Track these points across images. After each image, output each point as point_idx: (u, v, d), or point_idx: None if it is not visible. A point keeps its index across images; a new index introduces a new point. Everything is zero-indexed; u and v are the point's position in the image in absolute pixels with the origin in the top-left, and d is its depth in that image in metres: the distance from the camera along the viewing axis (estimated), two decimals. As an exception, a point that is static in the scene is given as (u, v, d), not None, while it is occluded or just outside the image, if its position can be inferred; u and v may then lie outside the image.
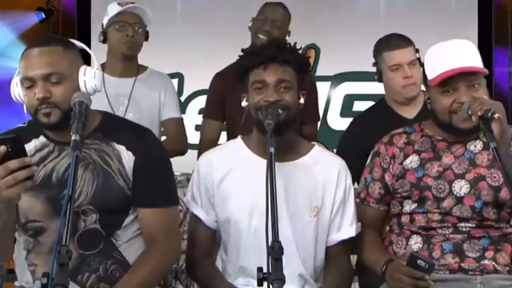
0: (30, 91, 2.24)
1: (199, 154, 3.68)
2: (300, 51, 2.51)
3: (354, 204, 2.54)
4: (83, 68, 2.30)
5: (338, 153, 3.30)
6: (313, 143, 2.65)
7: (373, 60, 3.34)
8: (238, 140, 2.58)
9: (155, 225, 2.33)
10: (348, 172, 2.54)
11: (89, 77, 2.29)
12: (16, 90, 2.30)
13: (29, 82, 2.24)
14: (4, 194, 1.97)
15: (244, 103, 2.49)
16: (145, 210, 2.33)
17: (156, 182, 2.34)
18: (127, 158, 2.32)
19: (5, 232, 2.20)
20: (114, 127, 2.39)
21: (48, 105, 2.22)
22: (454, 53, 2.45)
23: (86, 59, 2.40)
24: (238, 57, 2.53)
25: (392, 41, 3.22)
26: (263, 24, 3.64)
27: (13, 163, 1.94)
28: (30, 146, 2.31)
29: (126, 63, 3.59)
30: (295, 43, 2.53)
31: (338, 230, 2.51)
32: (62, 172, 2.29)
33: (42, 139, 2.34)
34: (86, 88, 2.27)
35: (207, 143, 3.69)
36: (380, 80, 3.29)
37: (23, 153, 1.97)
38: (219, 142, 3.76)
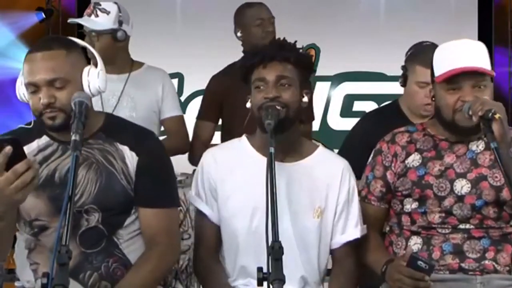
0: (35, 96, 2.26)
1: (191, 154, 3.74)
2: (300, 49, 2.51)
3: (358, 206, 2.53)
4: (86, 69, 2.31)
5: (344, 148, 3.30)
6: (318, 143, 2.65)
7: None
8: (243, 138, 2.58)
9: (155, 225, 2.34)
10: (352, 173, 2.53)
11: (92, 78, 2.30)
12: (21, 90, 2.32)
13: (33, 87, 2.26)
14: (16, 198, 1.96)
15: (248, 104, 2.49)
16: (146, 210, 2.35)
17: (158, 183, 2.36)
18: (131, 158, 2.34)
19: (7, 232, 2.22)
20: (117, 128, 2.41)
21: (53, 110, 2.24)
22: (462, 52, 2.45)
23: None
24: (240, 59, 2.55)
25: (430, 58, 2.98)
26: (264, 26, 3.69)
27: (21, 166, 1.93)
28: (33, 146, 2.33)
29: (113, 62, 3.53)
30: (295, 41, 2.54)
31: (343, 232, 2.50)
32: (65, 171, 2.30)
33: (45, 138, 2.35)
34: (90, 89, 2.29)
35: (198, 144, 3.72)
36: (403, 85, 3.27)
37: (23, 154, 1.97)
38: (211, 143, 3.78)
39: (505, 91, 6.75)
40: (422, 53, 3.12)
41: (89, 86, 2.29)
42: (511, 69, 6.80)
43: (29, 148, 2.29)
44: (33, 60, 2.27)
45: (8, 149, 1.92)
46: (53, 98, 2.24)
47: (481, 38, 6.34)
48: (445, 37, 2.55)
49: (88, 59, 2.52)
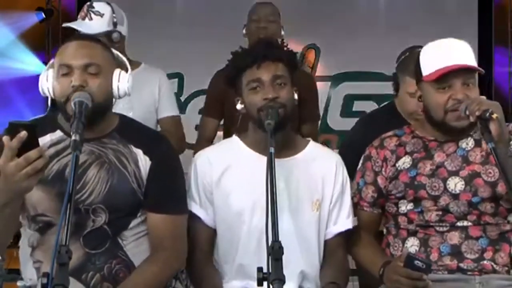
0: (66, 79, 2.24)
1: (196, 151, 3.72)
2: (287, 47, 2.53)
3: (350, 197, 2.55)
4: (118, 70, 2.32)
5: (343, 150, 3.30)
6: (307, 139, 2.66)
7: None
8: (235, 138, 2.58)
9: (163, 231, 2.34)
10: (344, 166, 2.56)
11: (123, 81, 2.31)
12: (45, 84, 2.30)
13: (66, 69, 2.25)
14: (24, 185, 1.95)
15: (239, 106, 2.49)
16: (155, 215, 2.34)
17: (169, 189, 2.36)
18: (144, 162, 2.33)
19: (10, 222, 2.19)
20: (132, 130, 2.41)
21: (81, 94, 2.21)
22: (451, 50, 2.46)
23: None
24: (227, 61, 2.53)
25: None
26: (259, 22, 3.70)
27: (33, 153, 1.92)
28: (45, 140, 2.30)
29: None
30: (282, 39, 2.55)
31: (335, 223, 2.52)
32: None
33: (58, 133, 2.33)
34: (118, 90, 2.30)
35: (203, 141, 3.72)
36: (396, 92, 3.28)
37: (36, 141, 1.95)
38: (215, 140, 3.78)
39: (505, 91, 6.75)
40: (412, 64, 3.13)
41: (118, 87, 2.30)
42: (511, 69, 6.80)
43: (42, 141, 2.20)
44: (70, 46, 2.28)
45: (23, 134, 1.91)
46: (84, 82, 2.22)
47: (481, 38, 6.35)
48: (445, 37, 2.54)
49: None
